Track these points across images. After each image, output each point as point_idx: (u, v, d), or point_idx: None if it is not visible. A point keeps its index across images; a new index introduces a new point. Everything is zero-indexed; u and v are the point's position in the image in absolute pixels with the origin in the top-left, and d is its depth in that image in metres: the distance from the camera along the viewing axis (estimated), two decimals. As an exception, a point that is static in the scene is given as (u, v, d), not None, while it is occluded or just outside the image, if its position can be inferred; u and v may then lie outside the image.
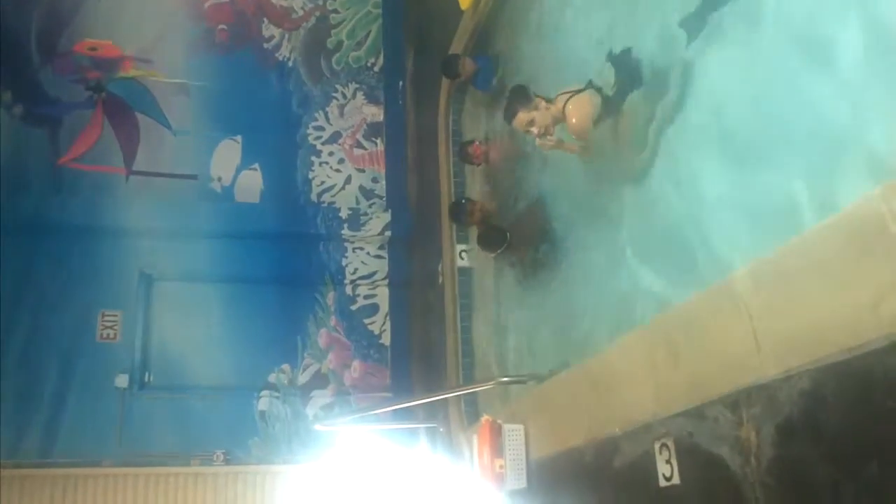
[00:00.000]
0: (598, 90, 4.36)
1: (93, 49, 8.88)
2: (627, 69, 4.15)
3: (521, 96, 4.68)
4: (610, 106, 4.29)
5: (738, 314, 2.90)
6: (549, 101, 4.54)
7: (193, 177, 8.63)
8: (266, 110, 9.14)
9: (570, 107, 4.42)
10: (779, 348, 2.71)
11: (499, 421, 5.09)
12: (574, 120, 4.41)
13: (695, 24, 3.60)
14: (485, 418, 5.19)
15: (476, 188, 6.97)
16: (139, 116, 8.72)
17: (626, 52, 4.20)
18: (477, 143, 6.60)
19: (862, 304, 2.33)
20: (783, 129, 2.99)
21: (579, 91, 4.42)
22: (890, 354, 2.22)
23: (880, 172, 2.40)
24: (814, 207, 2.74)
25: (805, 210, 2.80)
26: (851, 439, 2.36)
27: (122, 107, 8.72)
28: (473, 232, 6.75)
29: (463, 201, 6.64)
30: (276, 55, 9.39)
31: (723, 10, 3.41)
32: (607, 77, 4.34)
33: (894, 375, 2.20)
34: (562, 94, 4.54)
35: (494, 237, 6.04)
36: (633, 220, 4.11)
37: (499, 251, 6.03)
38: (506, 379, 5.13)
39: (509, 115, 4.73)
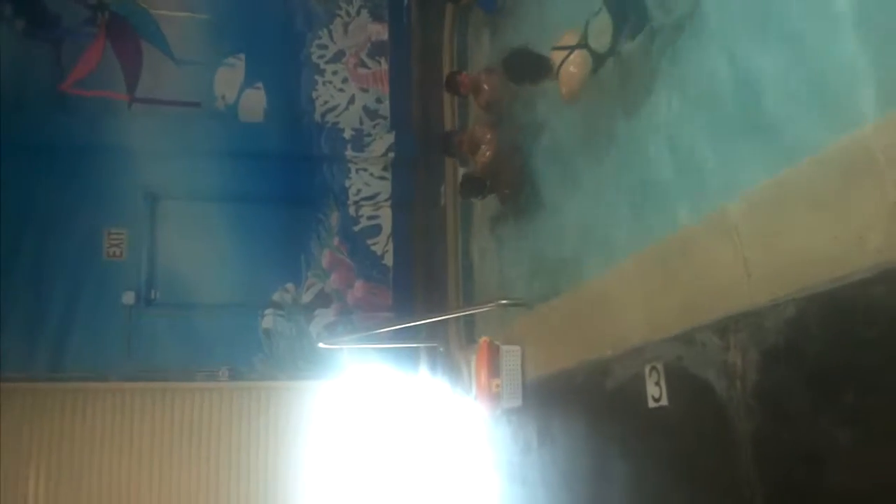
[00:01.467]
0: (590, 49, 4.33)
1: None
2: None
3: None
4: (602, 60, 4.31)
5: (729, 242, 2.96)
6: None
7: (196, 104, 8.54)
8: (269, 28, 8.98)
9: (562, 74, 4.53)
10: (767, 276, 2.77)
11: (496, 342, 5.20)
12: (565, 89, 4.58)
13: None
14: (483, 339, 5.31)
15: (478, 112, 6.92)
16: (142, 41, 8.60)
17: None
18: (465, 73, 6.48)
19: (849, 235, 2.38)
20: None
21: (572, 50, 4.43)
22: (873, 285, 2.28)
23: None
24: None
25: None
26: (832, 367, 2.44)
27: (125, 29, 8.57)
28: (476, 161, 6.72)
29: (449, 133, 6.57)
30: (280, -27, 9.19)
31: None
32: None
33: (875, 306, 2.26)
34: (556, 49, 4.56)
35: (473, 187, 6.02)
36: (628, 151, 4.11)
37: (481, 197, 6.04)
38: (505, 301, 5.21)
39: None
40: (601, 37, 4.26)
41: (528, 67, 5.05)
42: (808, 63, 2.68)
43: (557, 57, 4.58)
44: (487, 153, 5.90)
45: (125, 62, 8.49)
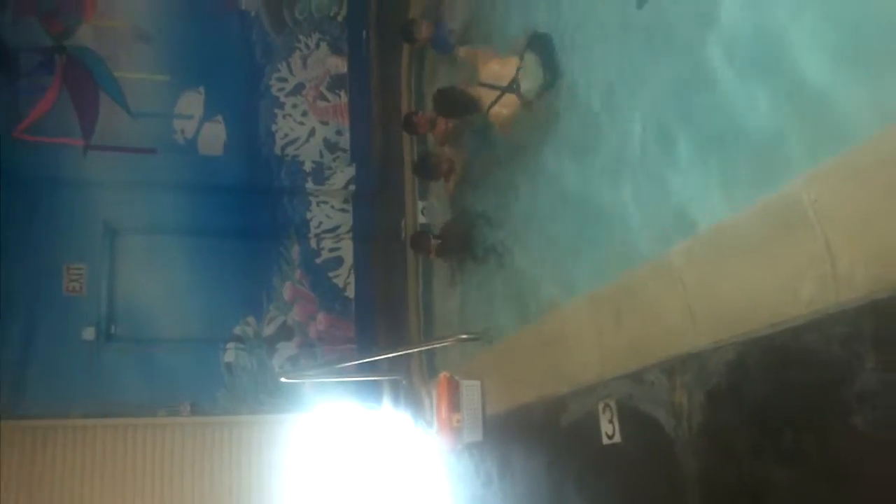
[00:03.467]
0: (519, 92, 4.69)
1: None
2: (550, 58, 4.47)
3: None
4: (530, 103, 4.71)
5: (674, 286, 3.08)
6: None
7: (153, 150, 8.52)
8: (229, 61, 9.02)
9: (492, 114, 4.90)
10: (710, 321, 2.90)
11: (456, 377, 5.28)
12: (497, 127, 5.01)
13: None
14: (443, 375, 5.38)
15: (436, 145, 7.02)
16: (100, 91, 8.55)
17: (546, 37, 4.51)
18: (421, 112, 6.63)
19: (784, 283, 2.50)
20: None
21: (502, 93, 4.77)
22: (806, 332, 2.40)
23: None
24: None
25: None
26: (771, 408, 2.56)
27: (83, 74, 8.53)
28: (435, 188, 6.83)
29: (427, 156, 6.67)
30: (239, 4, 9.24)
31: None
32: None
33: (809, 352, 2.38)
34: (482, 85, 4.91)
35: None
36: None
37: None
38: (464, 336, 5.30)
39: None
40: (531, 79, 4.59)
41: (457, 105, 5.41)
42: (730, 120, 2.85)
43: (484, 93, 4.89)
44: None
45: (81, 109, 8.43)
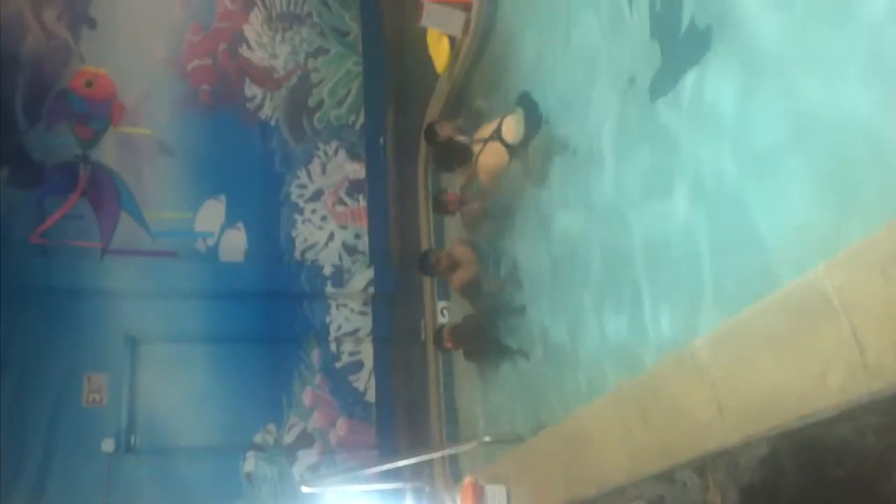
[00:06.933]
0: (503, 142, 5.02)
1: (89, 84, 8.99)
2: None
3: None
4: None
5: (700, 381, 3.00)
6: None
7: (173, 254, 8.66)
8: (249, 169, 9.26)
9: (479, 163, 5.21)
10: (739, 415, 2.80)
11: (481, 482, 5.13)
12: (483, 177, 5.32)
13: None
14: (467, 480, 5.23)
15: (455, 244, 7.05)
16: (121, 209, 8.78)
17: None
18: (451, 191, 6.63)
19: (812, 373, 2.43)
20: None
21: (485, 143, 5.10)
22: (839, 423, 2.31)
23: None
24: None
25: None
26: (807, 505, 2.44)
27: (106, 185, 8.78)
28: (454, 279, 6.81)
29: (427, 252, 6.65)
30: (259, 114, 9.53)
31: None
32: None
33: (842, 444, 2.29)
34: (476, 143, 5.20)
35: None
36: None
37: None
38: (488, 439, 5.17)
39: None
40: (517, 128, 4.98)
41: (453, 156, 5.54)
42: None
43: (477, 149, 5.16)
44: (466, 275, 6.18)
45: (100, 214, 8.63)
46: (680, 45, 3.46)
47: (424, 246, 7.48)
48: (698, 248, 3.25)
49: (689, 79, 3.35)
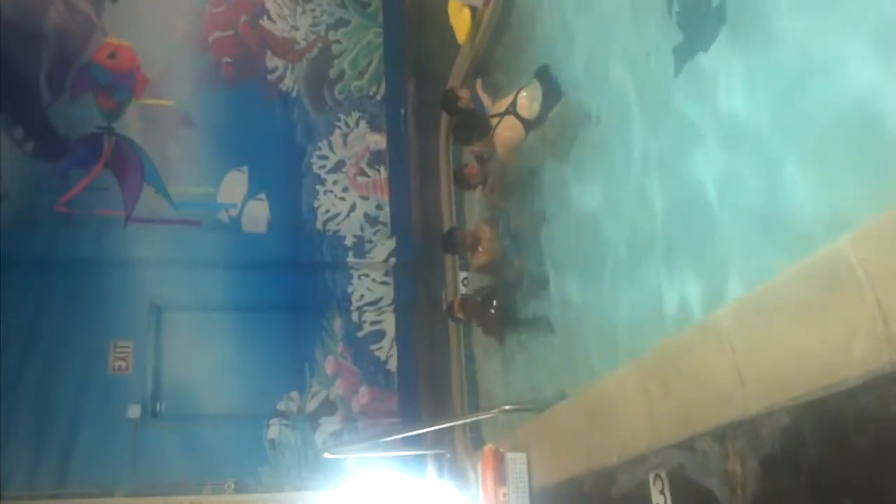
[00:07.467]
0: (518, 116, 5.00)
1: (112, 56, 9.06)
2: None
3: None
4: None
5: (723, 350, 3.01)
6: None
7: (196, 223, 8.75)
8: (271, 141, 9.29)
9: (496, 137, 5.17)
10: (761, 384, 2.82)
11: (501, 450, 5.19)
12: (500, 150, 5.27)
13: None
14: (487, 447, 5.29)
15: (475, 215, 7.08)
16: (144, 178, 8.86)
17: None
18: (471, 164, 6.60)
19: (835, 343, 2.44)
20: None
21: (501, 117, 5.08)
22: (861, 393, 2.33)
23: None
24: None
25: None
26: (828, 475, 2.47)
27: (129, 156, 8.86)
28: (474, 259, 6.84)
29: (451, 230, 6.68)
30: (280, 86, 9.55)
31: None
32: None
33: (866, 414, 2.31)
34: (493, 118, 5.18)
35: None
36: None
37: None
38: (508, 407, 5.21)
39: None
40: (533, 104, 4.94)
41: (472, 128, 5.54)
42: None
43: (493, 122, 5.16)
44: (483, 257, 6.11)
45: (123, 183, 8.72)
46: (705, 17, 3.44)
47: (446, 218, 7.50)
48: (723, 217, 3.25)
49: (716, 47, 3.34)
